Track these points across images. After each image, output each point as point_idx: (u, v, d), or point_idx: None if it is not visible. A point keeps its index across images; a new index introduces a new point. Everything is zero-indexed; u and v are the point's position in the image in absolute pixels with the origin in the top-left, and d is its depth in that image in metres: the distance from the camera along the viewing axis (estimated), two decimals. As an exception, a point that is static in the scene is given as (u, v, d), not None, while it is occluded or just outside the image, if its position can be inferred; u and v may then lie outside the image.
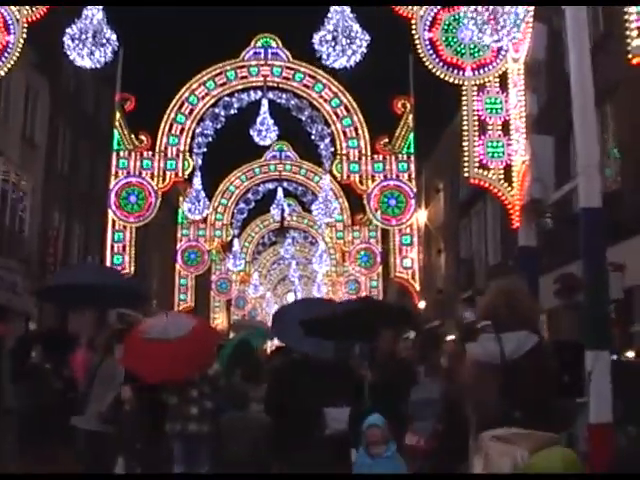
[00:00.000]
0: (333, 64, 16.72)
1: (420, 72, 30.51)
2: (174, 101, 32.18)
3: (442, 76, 16.02)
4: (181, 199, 34.15)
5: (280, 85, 32.56)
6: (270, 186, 45.69)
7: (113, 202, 30.64)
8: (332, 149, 32.34)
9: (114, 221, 30.80)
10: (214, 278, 48.86)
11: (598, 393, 9.48)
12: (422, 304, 37.54)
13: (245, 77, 32.52)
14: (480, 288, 32.56)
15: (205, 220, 41.75)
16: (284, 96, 32.73)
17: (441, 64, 16.00)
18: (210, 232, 42.07)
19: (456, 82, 16.00)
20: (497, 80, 16.03)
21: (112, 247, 30.72)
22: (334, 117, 31.88)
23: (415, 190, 31.60)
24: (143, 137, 31.59)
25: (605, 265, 11.38)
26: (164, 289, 46.22)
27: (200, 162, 32.53)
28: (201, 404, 10.54)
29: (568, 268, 20.57)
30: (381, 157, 31.59)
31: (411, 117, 31.63)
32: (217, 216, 43.29)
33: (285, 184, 45.12)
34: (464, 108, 15.89)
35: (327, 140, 32.28)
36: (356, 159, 31.49)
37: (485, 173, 15.44)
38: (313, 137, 32.42)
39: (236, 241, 46.66)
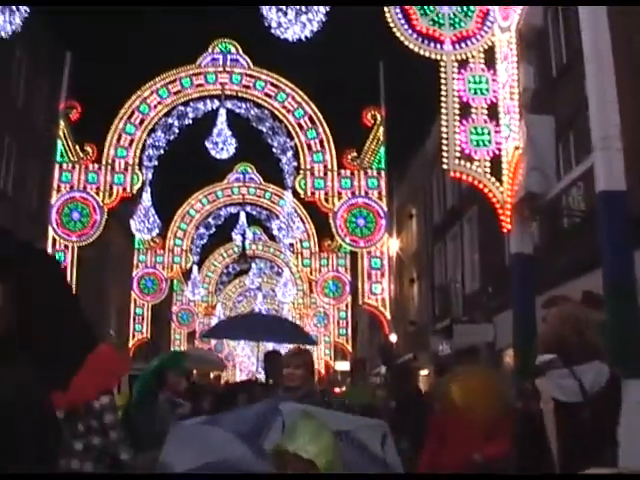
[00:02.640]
0: (284, 35, 13.87)
1: (392, 80, 28.03)
2: (123, 110, 29.78)
3: (417, 50, 13.26)
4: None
5: (239, 94, 29.95)
6: (232, 210, 43.18)
7: (54, 219, 28.50)
8: (295, 164, 29.71)
9: (55, 239, 28.67)
10: (175, 309, 46.27)
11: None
12: (394, 337, 34.97)
13: (201, 85, 30.06)
14: (455, 318, 29.94)
15: (163, 246, 39.43)
16: (243, 106, 30.04)
17: (415, 36, 13.26)
18: (169, 258, 39.87)
19: (433, 57, 13.24)
20: (482, 55, 13.30)
21: None
22: (297, 129, 29.23)
23: (386, 209, 28.92)
24: (89, 148, 29.46)
25: (633, 275, 8.72)
26: (123, 319, 43.76)
27: (150, 176, 29.71)
28: (87, 439, 8.34)
29: (573, 285, 17.80)
30: (349, 172, 29.14)
31: (382, 130, 29.08)
32: (176, 241, 41.02)
33: (248, 208, 42.66)
34: (443, 88, 13.13)
35: (290, 154, 29.60)
36: (321, 174, 28.96)
37: (468, 165, 12.65)
38: (274, 150, 29.63)
39: (195, 268, 43.77)
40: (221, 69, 29.94)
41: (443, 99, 13.04)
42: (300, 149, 29.17)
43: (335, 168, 29.01)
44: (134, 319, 39.02)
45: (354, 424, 5.11)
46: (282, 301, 50.84)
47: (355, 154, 29.32)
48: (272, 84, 29.69)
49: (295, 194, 30.25)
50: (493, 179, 12.57)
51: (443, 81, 13.10)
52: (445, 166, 12.75)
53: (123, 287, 46.18)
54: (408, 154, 41.01)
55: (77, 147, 29.23)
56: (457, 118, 12.90)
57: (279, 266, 51.03)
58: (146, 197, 29.88)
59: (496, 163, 12.72)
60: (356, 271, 32.73)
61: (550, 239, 20.44)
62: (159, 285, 38.52)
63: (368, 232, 28.44)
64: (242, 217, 43.32)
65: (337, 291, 37.53)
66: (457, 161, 12.60)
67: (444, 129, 12.87)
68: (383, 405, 11.44)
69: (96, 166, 28.95)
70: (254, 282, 54.72)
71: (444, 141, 12.84)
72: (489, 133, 12.79)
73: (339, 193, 28.69)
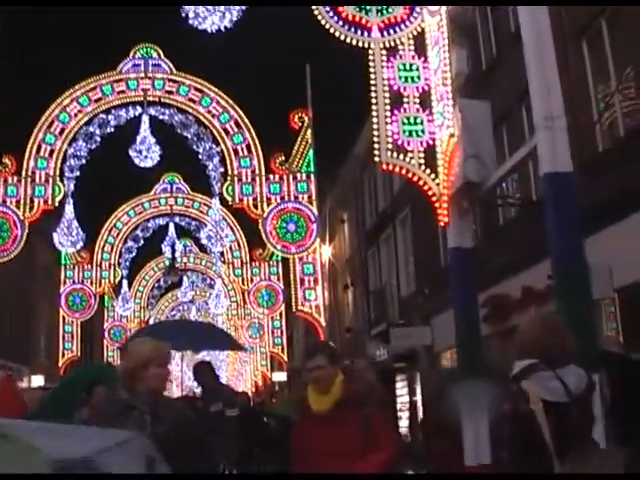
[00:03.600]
0: (203, 25, 13.06)
1: (320, 83, 27.38)
2: (42, 119, 28.70)
3: (342, 38, 12.55)
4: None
5: (162, 99, 29.03)
6: (161, 222, 42.29)
7: None
8: (222, 170, 28.77)
9: None
10: (107, 325, 45.00)
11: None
12: (330, 344, 34.16)
13: (123, 92, 29.09)
14: (392, 322, 29.42)
15: (91, 261, 38.45)
16: (167, 112, 29.11)
17: (341, 24, 12.56)
18: (97, 273, 38.91)
19: (360, 45, 12.54)
20: (412, 42, 12.65)
21: None
22: (223, 134, 28.41)
23: (317, 213, 28.18)
24: (7, 160, 28.26)
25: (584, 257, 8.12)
26: (52, 338, 42.63)
27: (73, 188, 28.63)
28: None
29: (514, 281, 17.35)
30: (277, 177, 28.42)
31: (310, 132, 28.42)
32: (104, 256, 40.13)
33: (177, 219, 41.75)
34: (372, 77, 12.41)
35: (216, 160, 28.70)
36: (249, 180, 28.10)
37: (401, 157, 11.97)
38: (200, 157, 28.74)
39: (125, 282, 42.63)
40: (143, 75, 28.98)
41: (372, 88, 12.34)
42: (227, 155, 28.30)
43: (263, 173, 28.24)
44: (63, 337, 37.92)
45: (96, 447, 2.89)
46: (216, 313, 49.89)
47: (283, 158, 28.59)
48: (196, 89, 28.87)
49: (223, 201, 29.41)
50: (428, 171, 11.92)
51: (372, 70, 12.39)
52: (377, 159, 12.01)
53: (51, 304, 45.02)
54: (338, 158, 40.37)
55: (-6, 160, 28.06)
56: (388, 108, 12.22)
57: (212, 278, 50.14)
58: (69, 209, 28.81)
59: (430, 154, 12.07)
60: (289, 279, 32.01)
61: (488, 232, 19.94)
62: (88, 301, 37.66)
63: (299, 237, 27.79)
64: (171, 228, 42.45)
65: (270, 300, 36.71)
66: (389, 153, 11.91)
67: (374, 120, 12.16)
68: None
69: (15, 178, 27.81)
70: (186, 295, 53.71)
71: (375, 132, 12.12)
72: (422, 122, 12.11)
73: (268, 198, 27.93)
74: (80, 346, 39.46)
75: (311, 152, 28.53)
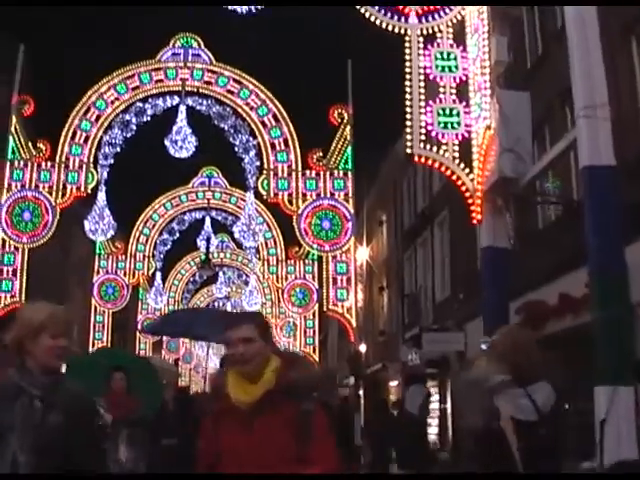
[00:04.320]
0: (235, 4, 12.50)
1: (361, 79, 26.84)
2: (79, 105, 28.36)
3: (379, 24, 11.94)
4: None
5: (200, 90, 28.55)
6: (197, 215, 41.91)
7: (4, 219, 27.11)
8: (258, 163, 28.21)
9: (4, 241, 27.39)
10: (140, 318, 44.79)
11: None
12: (363, 347, 33.80)
13: (161, 80, 28.70)
14: (425, 326, 28.71)
15: (125, 251, 38.13)
16: (205, 102, 28.58)
17: (377, 9, 11.94)
18: (131, 264, 38.48)
19: (397, 31, 11.92)
20: (451, 30, 12.01)
21: (1, 271, 27.28)
22: (261, 127, 27.89)
23: (353, 211, 27.55)
24: (42, 145, 28.01)
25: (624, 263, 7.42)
26: (86, 328, 42.44)
27: (106, 175, 28.20)
28: None
29: (552, 287, 16.55)
30: (314, 173, 27.77)
31: (349, 129, 27.80)
32: (138, 247, 39.82)
33: (214, 213, 41.31)
34: (407, 64, 11.80)
35: (252, 153, 28.16)
36: (285, 175, 27.56)
37: (434, 149, 11.34)
38: (236, 149, 28.21)
39: (158, 275, 42.29)
40: (182, 64, 28.57)
41: (407, 77, 11.73)
42: (263, 148, 27.82)
43: (300, 168, 27.65)
44: (94, 327, 37.43)
45: None
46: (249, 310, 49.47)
47: (321, 154, 27.96)
48: (235, 80, 28.41)
49: (258, 196, 28.89)
50: (462, 165, 11.28)
51: (407, 57, 11.78)
52: (408, 150, 11.42)
53: (85, 294, 44.82)
54: (378, 157, 39.71)
55: (30, 144, 27.82)
56: (423, 98, 11.60)
57: (247, 275, 49.77)
58: (101, 197, 28.39)
59: (465, 147, 11.43)
60: (322, 278, 31.46)
61: (525, 235, 19.11)
62: (120, 292, 37.16)
63: (334, 235, 27.16)
64: (207, 222, 42.09)
65: (304, 299, 36.10)
66: (422, 145, 11.29)
67: (408, 109, 11.56)
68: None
69: (49, 164, 27.57)
70: (221, 291, 53.35)
71: (408, 122, 11.52)
72: (458, 114, 11.49)
73: (304, 194, 27.36)
74: (111, 337, 39.14)
75: (349, 149, 27.92)
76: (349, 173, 27.84)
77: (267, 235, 40.98)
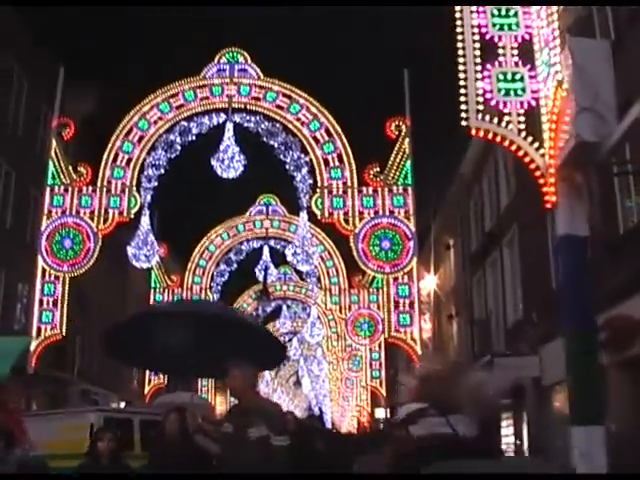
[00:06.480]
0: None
1: (418, 87, 24.97)
2: (121, 126, 27.23)
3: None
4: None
5: (248, 106, 27.00)
6: (255, 245, 40.56)
7: (44, 247, 26.08)
8: (310, 181, 26.51)
9: (44, 270, 26.24)
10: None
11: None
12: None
13: (206, 98, 27.39)
14: (496, 352, 26.54)
15: (181, 284, 37.20)
16: (253, 119, 26.96)
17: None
18: (187, 296, 37.20)
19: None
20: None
21: (41, 302, 26.13)
22: (313, 143, 26.24)
23: (414, 229, 25.62)
24: (82, 169, 26.96)
25: None
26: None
27: (149, 199, 26.69)
28: None
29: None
30: (371, 190, 26.03)
31: (407, 142, 25.90)
32: (195, 279, 38.89)
33: (272, 242, 40.00)
34: (458, 24, 9.84)
35: (304, 170, 26.40)
36: (340, 192, 25.90)
37: (495, 121, 9.34)
38: (287, 167, 26.48)
39: (217, 307, 40.82)
40: (228, 80, 27.11)
41: (459, 38, 9.78)
42: (316, 165, 26.18)
43: (355, 185, 25.99)
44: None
45: None
46: (311, 343, 48.45)
47: (378, 169, 26.15)
48: (284, 95, 26.91)
49: (312, 216, 27.08)
50: (530, 139, 9.28)
51: (458, 15, 9.83)
52: (464, 122, 9.43)
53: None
54: (441, 175, 37.85)
55: (70, 168, 26.67)
56: (479, 61, 9.64)
57: (310, 307, 48.29)
58: (145, 221, 26.90)
59: (533, 118, 9.43)
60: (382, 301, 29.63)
61: (608, 240, 16.77)
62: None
63: (394, 256, 25.35)
64: (265, 251, 40.88)
65: (369, 330, 34.39)
66: (480, 116, 9.32)
67: (461, 75, 9.58)
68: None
69: (90, 189, 26.42)
70: (285, 325, 52.02)
71: (462, 90, 9.54)
72: (522, 79, 9.48)
73: (360, 213, 25.67)
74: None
75: (409, 163, 26.03)
76: (409, 189, 25.97)
77: (329, 264, 39.72)
